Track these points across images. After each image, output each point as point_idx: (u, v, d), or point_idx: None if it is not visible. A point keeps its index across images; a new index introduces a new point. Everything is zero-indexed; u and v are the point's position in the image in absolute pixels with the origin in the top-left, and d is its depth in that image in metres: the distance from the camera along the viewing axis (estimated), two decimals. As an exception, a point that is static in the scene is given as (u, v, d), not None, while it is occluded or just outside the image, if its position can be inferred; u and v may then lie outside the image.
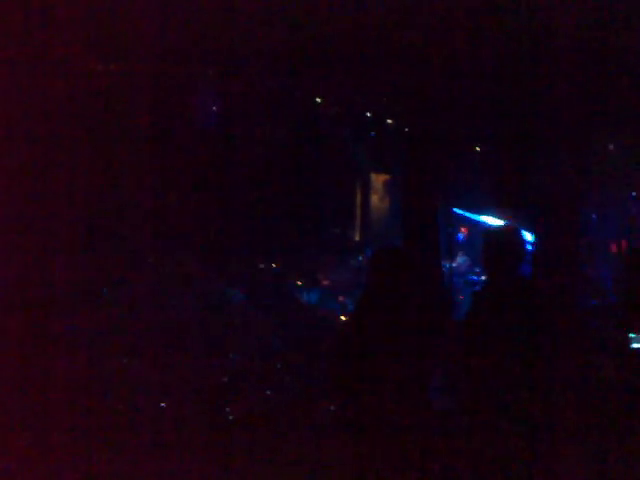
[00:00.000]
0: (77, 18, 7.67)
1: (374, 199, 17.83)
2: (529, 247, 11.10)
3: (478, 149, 12.60)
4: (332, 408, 8.22)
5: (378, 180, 17.73)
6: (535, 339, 3.95)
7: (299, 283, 15.93)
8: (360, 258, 16.04)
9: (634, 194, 12.31)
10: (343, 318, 13.63)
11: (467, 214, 14.23)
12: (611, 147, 11.93)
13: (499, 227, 4.60)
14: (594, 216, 12.85)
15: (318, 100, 15.20)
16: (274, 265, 17.02)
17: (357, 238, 17.93)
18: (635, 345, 4.09)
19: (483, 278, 11.21)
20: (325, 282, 15.74)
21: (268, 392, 9.83)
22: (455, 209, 13.28)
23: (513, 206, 10.68)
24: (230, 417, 6.51)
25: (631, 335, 4.12)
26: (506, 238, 4.19)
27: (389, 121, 14.31)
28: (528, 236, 10.88)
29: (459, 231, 14.27)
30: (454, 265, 13.01)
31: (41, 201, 6.81)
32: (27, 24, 6.72)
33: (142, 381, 9.42)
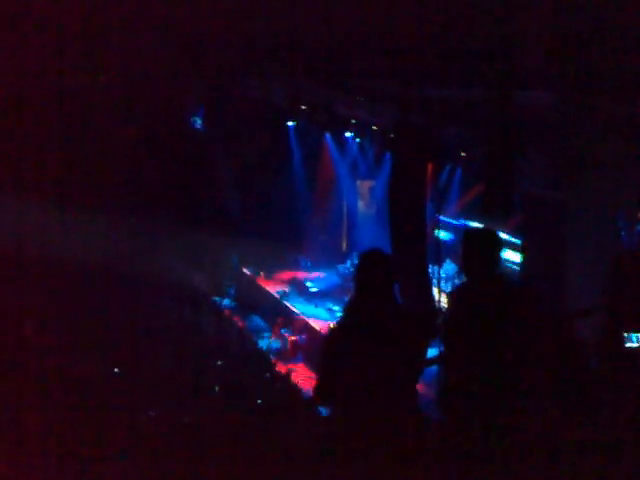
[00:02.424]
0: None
1: (360, 205, 17.87)
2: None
3: (464, 154, 12.62)
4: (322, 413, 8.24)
5: (364, 186, 17.77)
6: (513, 340, 3.96)
7: (286, 290, 15.98)
8: (348, 264, 16.06)
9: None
10: (331, 326, 13.67)
11: (454, 221, 14.28)
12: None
13: (477, 229, 4.60)
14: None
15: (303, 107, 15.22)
16: (261, 273, 17.09)
17: (344, 244, 17.96)
18: (628, 345, 4.12)
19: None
20: (314, 290, 15.80)
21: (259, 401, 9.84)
22: (442, 216, 13.32)
23: (500, 213, 10.70)
24: (222, 423, 6.49)
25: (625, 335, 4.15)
26: (484, 240, 4.22)
27: (374, 127, 14.35)
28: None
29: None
30: (441, 271, 13.05)
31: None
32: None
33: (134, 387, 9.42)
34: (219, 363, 12.08)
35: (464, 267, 4.28)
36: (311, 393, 11.93)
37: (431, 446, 3.94)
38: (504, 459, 3.88)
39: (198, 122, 18.99)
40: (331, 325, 13.67)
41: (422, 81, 10.23)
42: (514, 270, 11.91)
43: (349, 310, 4.20)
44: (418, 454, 3.89)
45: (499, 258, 4.24)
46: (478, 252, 4.18)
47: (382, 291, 4.07)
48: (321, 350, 4.18)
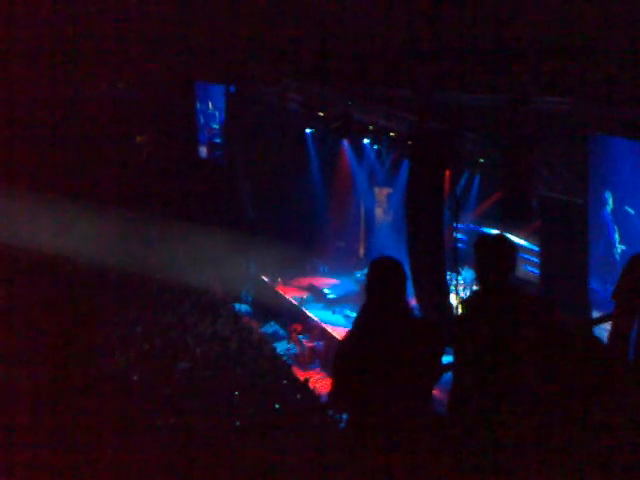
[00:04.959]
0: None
1: (378, 212, 17.85)
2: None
3: (482, 161, 12.57)
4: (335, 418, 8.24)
5: (381, 193, 17.75)
6: (526, 347, 3.93)
7: (303, 297, 15.98)
8: (365, 271, 16.04)
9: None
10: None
11: (473, 228, 14.23)
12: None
13: (490, 235, 4.56)
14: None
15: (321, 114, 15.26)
16: (279, 279, 17.11)
17: (361, 251, 17.94)
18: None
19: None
20: (331, 296, 15.78)
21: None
22: (460, 223, 13.26)
23: (519, 219, 10.67)
24: (238, 426, 6.51)
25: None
26: (497, 246, 4.20)
27: (392, 134, 14.33)
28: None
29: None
30: (459, 278, 12.99)
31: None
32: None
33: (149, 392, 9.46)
34: (237, 369, 12.12)
35: (477, 274, 4.26)
36: (327, 399, 11.95)
37: (445, 450, 3.93)
38: (511, 465, 3.86)
39: (216, 129, 19.12)
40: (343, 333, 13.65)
41: (440, 87, 10.23)
42: (533, 276, 11.86)
43: (361, 318, 4.19)
44: (433, 458, 3.88)
45: (513, 264, 4.22)
46: (491, 258, 4.16)
47: (393, 299, 4.07)
48: (334, 357, 4.18)
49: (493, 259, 4.14)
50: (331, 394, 4.21)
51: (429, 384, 4.10)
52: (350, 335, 4.18)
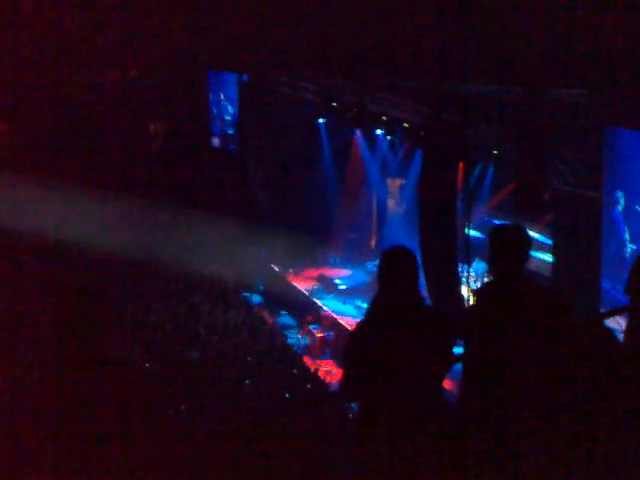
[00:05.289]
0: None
1: (390, 203, 17.82)
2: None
3: (496, 152, 12.53)
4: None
5: (394, 184, 17.71)
6: (540, 338, 3.91)
7: (315, 287, 16.00)
8: (377, 262, 16.01)
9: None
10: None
11: (485, 220, 14.19)
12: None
13: (505, 225, 4.53)
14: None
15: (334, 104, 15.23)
16: (290, 269, 17.13)
17: (373, 242, 17.92)
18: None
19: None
20: (342, 287, 15.80)
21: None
22: (472, 215, 13.23)
23: (532, 212, 10.61)
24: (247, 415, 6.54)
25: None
26: (512, 236, 4.18)
27: (405, 125, 14.30)
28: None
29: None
30: (471, 270, 12.96)
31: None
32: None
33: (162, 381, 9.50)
34: (249, 358, 12.16)
35: (491, 264, 4.24)
36: (337, 389, 11.97)
37: (455, 440, 3.92)
38: (519, 459, 3.85)
39: (228, 121, 19.13)
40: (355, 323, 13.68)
41: (454, 78, 10.18)
42: (545, 270, 11.81)
43: (373, 307, 4.19)
44: (443, 448, 3.88)
45: (527, 255, 4.19)
46: (506, 249, 4.13)
47: (406, 288, 4.06)
48: (346, 346, 4.18)
49: (508, 249, 4.12)
50: (342, 382, 4.22)
51: (440, 374, 4.10)
52: (362, 324, 4.18)
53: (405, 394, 3.93)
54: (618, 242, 9.24)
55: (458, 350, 4.23)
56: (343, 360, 4.17)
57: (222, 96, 19.25)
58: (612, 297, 9.21)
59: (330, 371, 12.74)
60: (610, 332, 3.98)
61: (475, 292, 4.65)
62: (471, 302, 12.19)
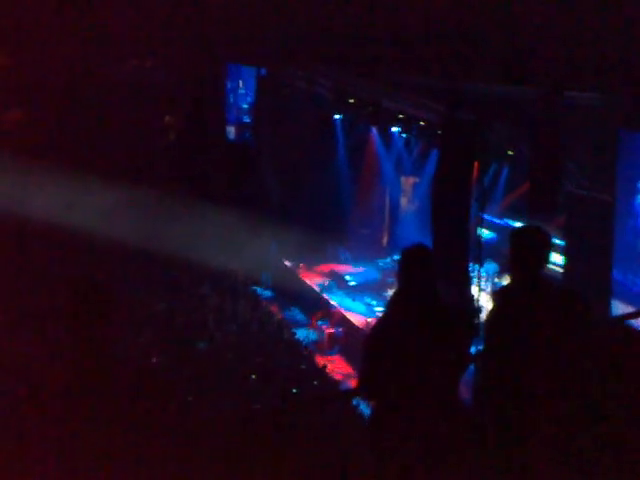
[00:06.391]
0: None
1: (403, 201, 17.81)
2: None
3: (511, 153, 12.48)
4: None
5: (408, 182, 17.71)
6: (559, 339, 3.90)
7: (325, 283, 16.00)
8: (388, 259, 16.01)
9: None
10: (369, 320, 13.70)
11: (497, 220, 14.15)
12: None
13: (525, 227, 4.50)
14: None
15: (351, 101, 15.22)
16: (301, 265, 17.13)
17: (385, 239, 17.92)
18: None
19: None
20: (352, 283, 15.80)
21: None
22: (485, 215, 13.20)
23: (545, 213, 10.58)
24: (257, 412, 6.54)
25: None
26: (531, 238, 4.16)
27: (422, 123, 14.26)
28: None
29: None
30: (482, 270, 12.95)
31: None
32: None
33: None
34: (256, 352, 12.18)
35: (510, 265, 4.21)
36: (347, 385, 11.96)
37: (470, 440, 3.92)
38: (535, 461, 3.85)
39: (245, 109, 19.13)
40: (368, 320, 13.69)
41: (471, 77, 10.15)
42: (556, 271, 11.78)
43: (392, 305, 4.18)
44: (458, 448, 3.87)
45: (548, 257, 4.17)
46: (526, 250, 4.11)
47: (425, 286, 4.05)
48: (365, 343, 4.17)
49: (528, 251, 4.10)
50: (361, 380, 4.21)
51: (458, 372, 4.09)
52: (381, 322, 4.17)
53: (423, 392, 3.93)
54: (634, 231, 9.21)
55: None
56: (362, 358, 4.16)
57: (240, 84, 19.22)
58: (623, 288, 9.20)
59: (339, 367, 12.75)
60: (632, 331, 3.96)
61: (495, 293, 4.63)
62: (480, 302, 12.17)
